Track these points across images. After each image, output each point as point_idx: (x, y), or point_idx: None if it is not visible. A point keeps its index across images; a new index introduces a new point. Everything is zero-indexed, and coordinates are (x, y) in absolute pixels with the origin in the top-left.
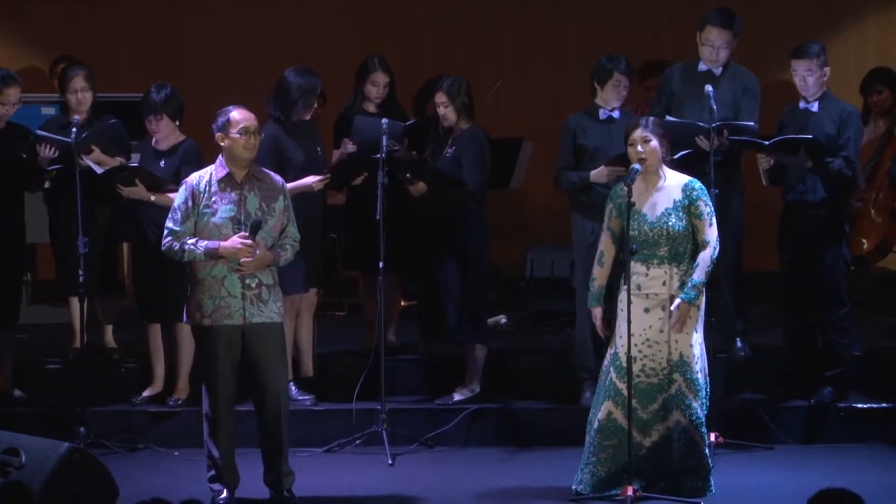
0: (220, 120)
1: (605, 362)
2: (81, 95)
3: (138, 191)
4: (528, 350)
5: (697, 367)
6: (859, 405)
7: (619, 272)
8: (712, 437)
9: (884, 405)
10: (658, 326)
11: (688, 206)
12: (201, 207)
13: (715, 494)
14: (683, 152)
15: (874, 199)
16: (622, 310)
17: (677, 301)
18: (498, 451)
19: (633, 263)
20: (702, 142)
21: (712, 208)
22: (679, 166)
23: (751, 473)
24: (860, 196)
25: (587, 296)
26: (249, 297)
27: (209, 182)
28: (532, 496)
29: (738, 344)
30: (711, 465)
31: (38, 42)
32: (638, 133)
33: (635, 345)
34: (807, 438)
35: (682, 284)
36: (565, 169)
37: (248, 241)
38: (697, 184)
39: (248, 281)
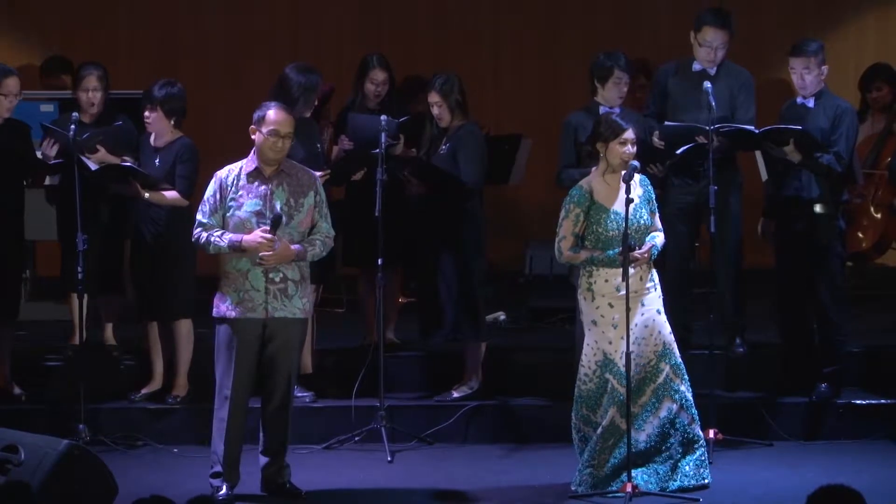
0: (258, 114)
1: (589, 371)
2: (92, 95)
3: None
4: (526, 347)
5: (677, 352)
6: (858, 401)
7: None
8: (711, 433)
9: (883, 401)
10: (642, 322)
11: (648, 200)
12: (227, 201)
13: (714, 491)
14: (685, 147)
15: (873, 195)
16: (602, 315)
17: (649, 245)
18: (497, 448)
19: (606, 268)
20: (700, 138)
21: None
22: (679, 163)
23: (750, 470)
24: (859, 192)
25: (603, 259)
26: (273, 291)
27: (238, 175)
28: (531, 493)
29: (738, 341)
30: (709, 457)
31: (35, 38)
32: (630, 134)
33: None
34: (806, 435)
35: (652, 278)
36: (567, 167)
37: (269, 236)
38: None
39: (271, 275)
